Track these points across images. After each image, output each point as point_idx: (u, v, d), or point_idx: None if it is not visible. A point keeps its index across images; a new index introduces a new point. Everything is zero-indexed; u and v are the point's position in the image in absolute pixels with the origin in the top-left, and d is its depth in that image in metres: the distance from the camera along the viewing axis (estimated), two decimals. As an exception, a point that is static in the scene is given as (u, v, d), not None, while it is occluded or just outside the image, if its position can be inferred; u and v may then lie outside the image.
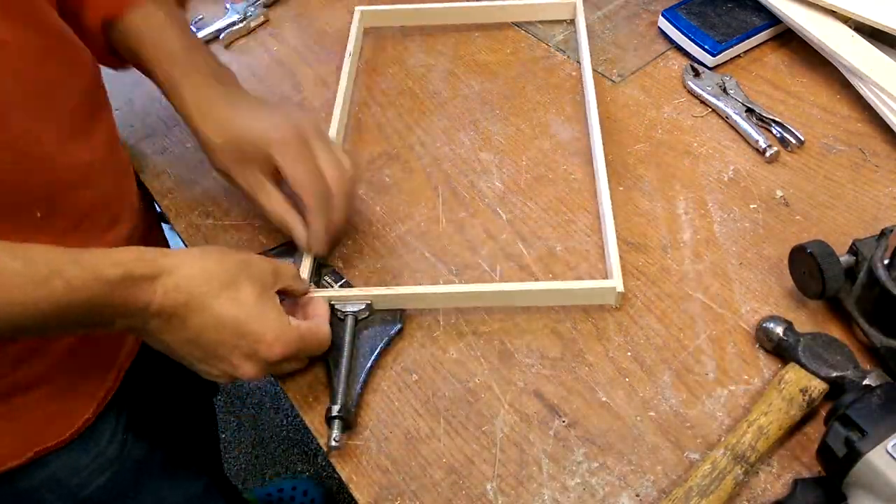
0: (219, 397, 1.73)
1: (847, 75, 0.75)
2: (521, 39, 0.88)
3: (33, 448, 0.64)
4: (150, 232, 0.78)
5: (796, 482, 0.52)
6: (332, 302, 0.63)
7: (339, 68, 0.84)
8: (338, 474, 0.57)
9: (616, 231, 0.65)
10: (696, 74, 0.80)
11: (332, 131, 0.75)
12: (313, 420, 0.60)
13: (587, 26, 0.85)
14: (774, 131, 0.74)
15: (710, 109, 0.78)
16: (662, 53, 0.84)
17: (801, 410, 0.54)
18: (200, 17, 0.95)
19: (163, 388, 0.86)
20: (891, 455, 0.45)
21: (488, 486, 0.55)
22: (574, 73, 0.83)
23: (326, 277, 0.66)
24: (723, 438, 0.55)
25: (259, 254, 0.67)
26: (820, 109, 0.76)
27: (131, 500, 0.77)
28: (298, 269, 0.65)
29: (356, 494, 0.56)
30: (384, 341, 0.62)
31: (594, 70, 0.81)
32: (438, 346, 0.63)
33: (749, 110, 0.76)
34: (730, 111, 0.76)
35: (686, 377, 0.59)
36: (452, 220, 0.72)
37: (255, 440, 1.65)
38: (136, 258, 0.52)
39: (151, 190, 0.78)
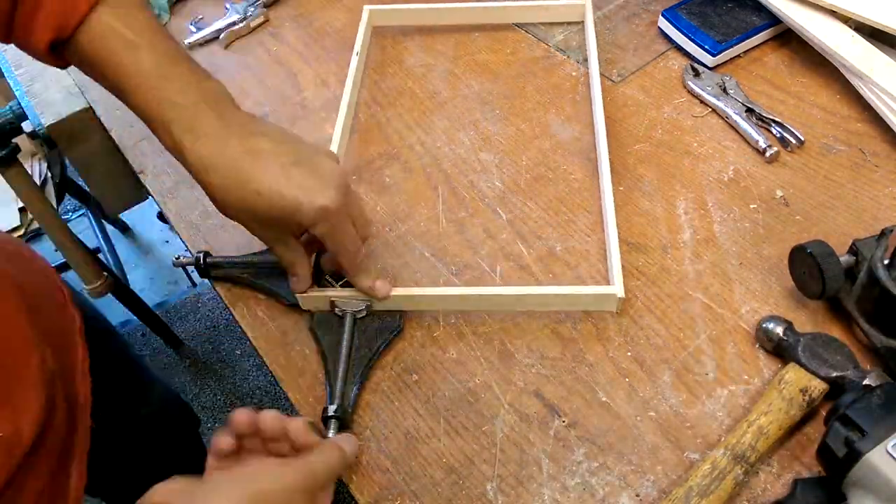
0: (219, 397, 1.73)
1: (847, 75, 0.75)
2: (521, 39, 0.88)
3: None
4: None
5: (796, 482, 0.52)
6: (332, 301, 0.63)
7: (340, 68, 0.84)
8: (338, 474, 0.57)
9: (616, 231, 0.65)
10: (696, 74, 0.80)
11: (336, 131, 0.75)
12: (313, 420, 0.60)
13: (587, 26, 0.85)
14: (774, 131, 0.74)
15: (710, 109, 0.78)
16: (662, 53, 0.84)
17: (801, 410, 0.54)
18: (200, 16, 0.95)
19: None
20: (891, 455, 0.45)
21: (488, 486, 0.55)
22: (574, 74, 0.83)
23: (327, 277, 0.66)
24: (723, 438, 0.55)
25: (259, 253, 0.67)
26: (820, 109, 0.76)
27: None
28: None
29: (356, 494, 0.56)
30: (383, 342, 0.62)
31: (594, 70, 0.81)
32: (438, 345, 0.63)
33: (749, 110, 0.76)
34: (730, 111, 0.76)
35: (686, 377, 0.59)
36: (452, 219, 0.72)
37: (255, 440, 1.65)
38: None
39: (151, 190, 0.78)
